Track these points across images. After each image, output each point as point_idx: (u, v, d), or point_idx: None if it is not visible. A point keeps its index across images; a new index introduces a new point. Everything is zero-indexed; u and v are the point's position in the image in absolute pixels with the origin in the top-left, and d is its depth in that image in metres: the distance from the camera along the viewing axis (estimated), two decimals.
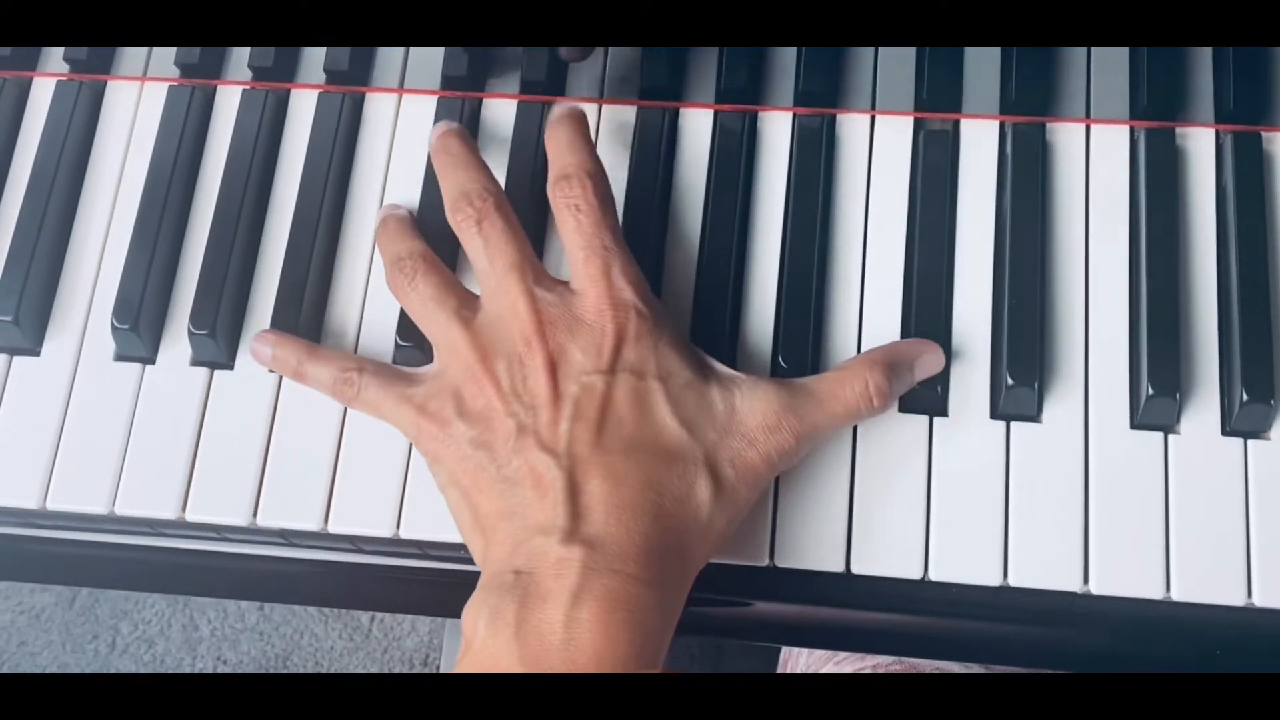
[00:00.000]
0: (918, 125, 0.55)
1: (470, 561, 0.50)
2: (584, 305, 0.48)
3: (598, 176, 0.51)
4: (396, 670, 1.24)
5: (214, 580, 0.56)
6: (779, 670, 0.76)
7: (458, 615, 0.46)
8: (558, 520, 0.44)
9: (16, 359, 0.55)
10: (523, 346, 0.48)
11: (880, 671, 0.65)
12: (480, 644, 0.43)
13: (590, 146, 0.53)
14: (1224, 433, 0.50)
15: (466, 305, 0.50)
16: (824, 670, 0.68)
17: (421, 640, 1.25)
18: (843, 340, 0.52)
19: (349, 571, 0.55)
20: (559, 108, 0.55)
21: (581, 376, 0.47)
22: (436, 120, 0.57)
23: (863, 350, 0.52)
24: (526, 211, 0.54)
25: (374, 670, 1.24)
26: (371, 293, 0.55)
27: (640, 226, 0.54)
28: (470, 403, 0.48)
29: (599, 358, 0.47)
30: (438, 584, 0.54)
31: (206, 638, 1.27)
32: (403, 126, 0.57)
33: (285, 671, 1.24)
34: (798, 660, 0.72)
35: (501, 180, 0.53)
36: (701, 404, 0.47)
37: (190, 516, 0.52)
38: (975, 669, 0.65)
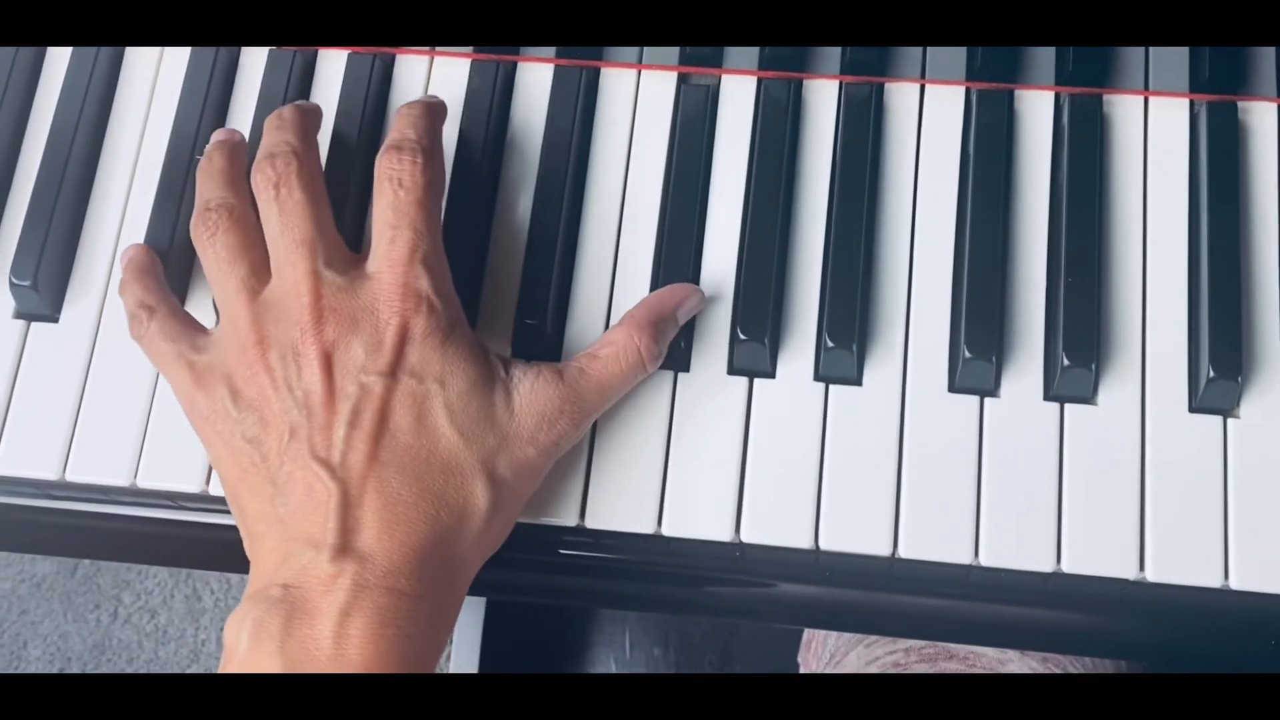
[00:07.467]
0: (969, 95, 0.53)
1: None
2: (373, 292, 0.46)
3: (433, 156, 0.49)
4: None
5: (216, 553, 0.54)
6: (801, 646, 0.75)
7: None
8: (328, 536, 0.43)
9: (34, 325, 0.53)
10: (299, 336, 0.45)
11: (912, 654, 0.64)
12: (243, 657, 0.42)
13: (436, 130, 0.50)
14: None
15: (257, 275, 0.47)
16: (853, 652, 0.67)
17: None
18: (889, 315, 0.51)
19: None
20: (424, 97, 0.53)
21: (360, 375, 0.45)
22: (469, 83, 0.55)
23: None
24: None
25: None
26: None
27: (683, 197, 0.52)
28: (244, 388, 0.46)
29: (380, 355, 0.45)
30: None
31: (210, 609, 1.26)
32: (435, 90, 0.55)
33: None
34: (824, 641, 0.71)
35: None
36: (482, 409, 0.45)
37: (214, 490, 0.50)
38: (1011, 655, 0.64)
